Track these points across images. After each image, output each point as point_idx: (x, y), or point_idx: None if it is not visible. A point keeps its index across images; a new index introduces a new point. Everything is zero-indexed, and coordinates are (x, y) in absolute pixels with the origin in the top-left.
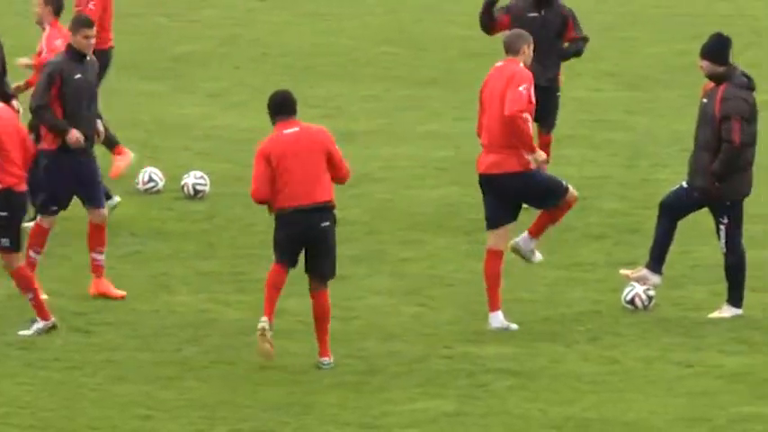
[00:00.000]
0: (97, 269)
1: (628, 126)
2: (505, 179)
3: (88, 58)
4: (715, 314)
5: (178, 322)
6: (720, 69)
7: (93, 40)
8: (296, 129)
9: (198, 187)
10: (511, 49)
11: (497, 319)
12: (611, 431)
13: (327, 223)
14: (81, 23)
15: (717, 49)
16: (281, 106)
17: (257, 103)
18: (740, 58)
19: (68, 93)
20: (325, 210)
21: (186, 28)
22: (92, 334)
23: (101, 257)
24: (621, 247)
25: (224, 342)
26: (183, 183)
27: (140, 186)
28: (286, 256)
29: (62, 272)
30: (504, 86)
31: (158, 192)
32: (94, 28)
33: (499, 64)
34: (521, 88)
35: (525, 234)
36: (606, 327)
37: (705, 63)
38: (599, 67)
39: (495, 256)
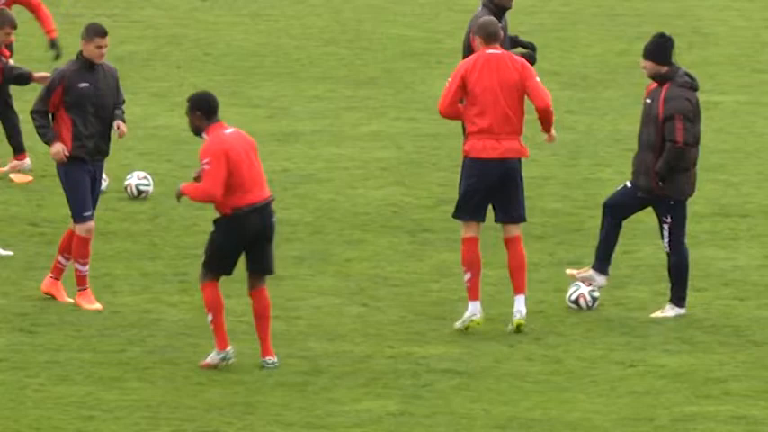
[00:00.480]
0: (81, 279)
1: (569, 126)
2: (518, 164)
3: (101, 66)
4: (658, 314)
5: (121, 323)
6: (663, 70)
7: (105, 50)
8: (231, 129)
9: (141, 188)
10: (498, 37)
11: (476, 306)
12: (555, 431)
13: (275, 218)
14: (95, 32)
15: (659, 49)
16: (215, 108)
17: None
18: (682, 59)
19: (71, 101)
20: (271, 204)
21: (128, 28)
22: (35, 334)
23: (84, 268)
24: (564, 247)
25: (167, 342)
26: (126, 183)
27: None
28: (228, 268)
29: (6, 273)
30: (515, 76)
31: (101, 192)
32: (108, 38)
33: (491, 52)
34: (538, 79)
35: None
36: (550, 326)
37: (648, 64)
38: (540, 66)
39: (476, 242)
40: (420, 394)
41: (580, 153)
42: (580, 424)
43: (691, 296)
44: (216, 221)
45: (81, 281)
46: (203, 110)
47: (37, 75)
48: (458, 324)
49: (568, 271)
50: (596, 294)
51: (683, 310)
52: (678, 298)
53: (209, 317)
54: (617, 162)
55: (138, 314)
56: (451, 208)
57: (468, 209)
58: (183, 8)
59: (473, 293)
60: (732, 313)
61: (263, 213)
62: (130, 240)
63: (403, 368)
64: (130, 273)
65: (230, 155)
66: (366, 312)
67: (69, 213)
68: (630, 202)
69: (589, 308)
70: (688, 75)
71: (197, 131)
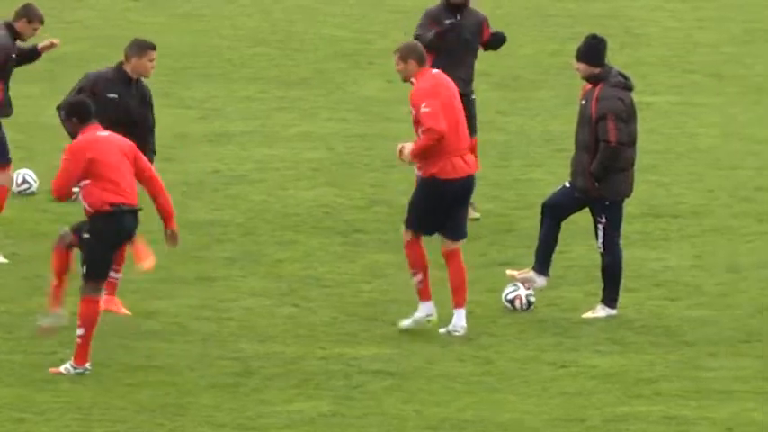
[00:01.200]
0: (110, 286)
1: (500, 126)
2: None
3: (137, 82)
4: (589, 314)
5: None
6: (596, 71)
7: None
8: (106, 133)
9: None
10: (426, 59)
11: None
12: (487, 431)
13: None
14: (148, 46)
15: (592, 51)
16: (90, 112)
17: None
18: (614, 59)
19: (96, 109)
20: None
21: (62, 29)
22: None
23: (117, 275)
24: (495, 248)
25: (98, 344)
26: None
27: (15, 188)
28: (106, 269)
29: None
30: (454, 90)
31: (32, 193)
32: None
33: (434, 71)
34: None
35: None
36: (481, 327)
37: (581, 65)
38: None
39: (421, 241)
40: (352, 395)
41: (511, 154)
42: (512, 425)
43: (622, 297)
44: (91, 221)
45: (111, 287)
46: (77, 114)
47: (41, 45)
48: (406, 323)
49: (509, 272)
50: (533, 299)
51: (614, 311)
52: (610, 299)
53: (82, 330)
54: (548, 163)
55: (70, 316)
56: (384, 209)
57: (428, 225)
58: (116, 9)
59: (425, 294)
60: (663, 314)
61: (133, 217)
62: None
63: (335, 369)
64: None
65: (96, 156)
66: (298, 313)
67: None
68: (568, 203)
69: (523, 310)
70: (622, 75)
71: (74, 136)
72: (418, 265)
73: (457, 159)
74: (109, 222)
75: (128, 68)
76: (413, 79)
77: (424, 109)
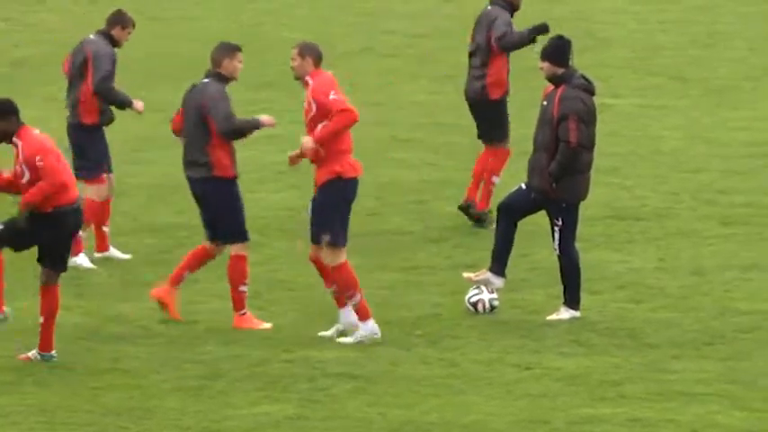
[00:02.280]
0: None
1: (465, 129)
2: None
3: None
4: (553, 317)
5: (17, 327)
6: (559, 71)
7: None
8: (38, 130)
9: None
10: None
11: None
12: None
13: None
14: (236, 48)
15: (556, 50)
16: (17, 111)
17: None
18: (578, 62)
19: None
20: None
21: (23, 32)
22: None
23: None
24: (460, 250)
25: (63, 347)
26: None
27: None
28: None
29: None
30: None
31: None
32: None
33: (327, 72)
34: None
35: None
36: (445, 330)
37: (545, 65)
38: (437, 70)
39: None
40: (317, 398)
41: (476, 156)
42: (476, 427)
43: (586, 299)
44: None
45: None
46: (10, 114)
47: (136, 103)
48: (349, 340)
49: (465, 274)
50: (496, 303)
51: (577, 313)
52: (571, 300)
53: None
54: (512, 165)
55: (34, 319)
56: None
57: (346, 232)
58: (78, 12)
59: (366, 312)
60: (627, 316)
61: (77, 213)
62: None
63: (300, 372)
64: (26, 277)
65: (56, 152)
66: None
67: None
68: (524, 204)
69: (485, 314)
70: (584, 77)
71: (6, 136)
72: (355, 284)
73: (352, 158)
74: (56, 222)
75: (227, 72)
76: (307, 78)
77: (332, 96)
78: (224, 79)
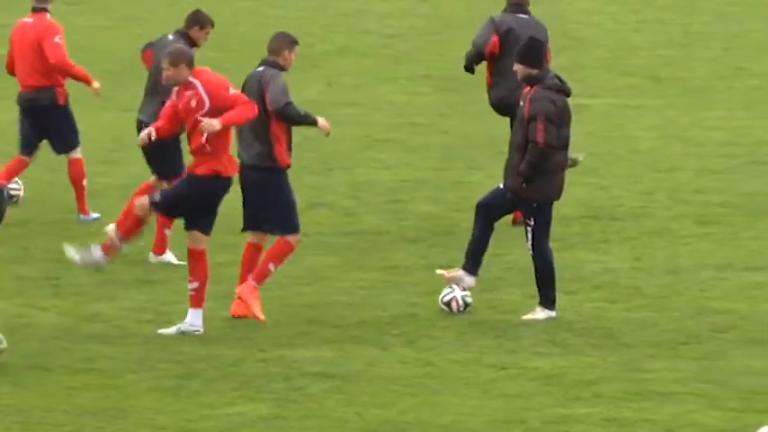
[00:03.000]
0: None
1: (441, 129)
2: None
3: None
4: (529, 316)
5: None
6: (534, 72)
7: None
8: None
9: (12, 192)
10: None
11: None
12: None
13: None
14: (296, 41)
15: (530, 52)
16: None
17: (74, 107)
18: (553, 62)
19: None
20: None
21: None
22: None
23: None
24: (437, 250)
25: (39, 347)
26: None
27: None
28: None
29: None
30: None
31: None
32: None
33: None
34: None
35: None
36: (422, 330)
37: (520, 66)
38: (413, 70)
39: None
40: (293, 398)
41: (453, 156)
42: (453, 427)
43: (562, 299)
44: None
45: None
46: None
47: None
48: (171, 330)
49: (438, 271)
50: (469, 300)
51: (553, 313)
52: (547, 300)
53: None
54: (489, 165)
55: (10, 318)
56: (324, 211)
57: (212, 223)
58: (56, 12)
59: (200, 302)
60: (603, 316)
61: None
62: (1, 245)
63: (275, 372)
64: (2, 277)
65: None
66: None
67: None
68: (500, 203)
69: (460, 312)
70: (558, 78)
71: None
72: (206, 275)
73: (231, 156)
74: None
75: (281, 62)
76: (189, 79)
77: (233, 91)
78: (280, 68)
